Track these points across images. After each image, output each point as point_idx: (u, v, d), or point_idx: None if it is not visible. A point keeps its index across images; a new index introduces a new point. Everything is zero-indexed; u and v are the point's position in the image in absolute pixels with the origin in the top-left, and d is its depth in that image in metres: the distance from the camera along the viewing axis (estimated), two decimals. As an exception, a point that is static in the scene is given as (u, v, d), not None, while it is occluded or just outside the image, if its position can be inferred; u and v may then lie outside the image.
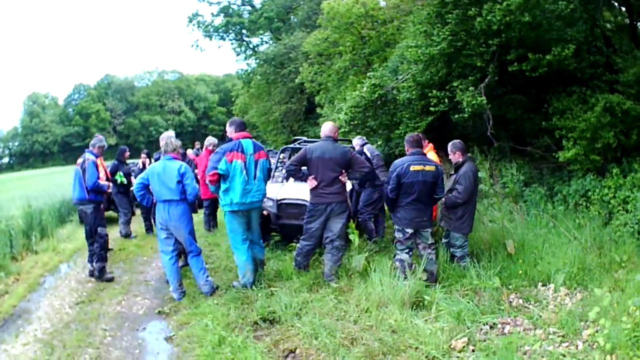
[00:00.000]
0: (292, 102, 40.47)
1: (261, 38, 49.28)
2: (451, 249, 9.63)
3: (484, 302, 7.89)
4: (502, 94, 16.20)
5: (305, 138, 15.38)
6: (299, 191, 11.68)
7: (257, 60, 44.68)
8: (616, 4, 17.47)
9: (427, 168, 8.68)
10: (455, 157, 9.71)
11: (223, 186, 8.83)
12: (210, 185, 8.93)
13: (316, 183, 9.09)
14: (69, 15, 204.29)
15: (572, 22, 14.20)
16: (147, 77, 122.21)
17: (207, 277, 9.20)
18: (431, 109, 14.57)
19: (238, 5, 48.57)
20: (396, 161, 8.96)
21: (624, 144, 12.94)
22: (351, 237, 10.11)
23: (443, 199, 9.44)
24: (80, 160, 10.80)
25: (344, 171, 9.20)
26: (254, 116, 47.67)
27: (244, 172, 8.74)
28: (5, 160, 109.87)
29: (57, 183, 28.16)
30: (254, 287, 8.88)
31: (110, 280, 10.52)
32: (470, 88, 13.72)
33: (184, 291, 9.20)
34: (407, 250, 8.83)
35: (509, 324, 7.21)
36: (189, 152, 21.16)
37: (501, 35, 13.25)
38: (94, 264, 10.65)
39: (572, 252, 9.48)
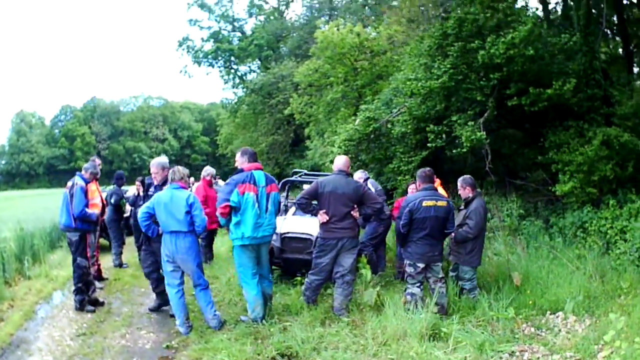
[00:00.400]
0: (278, 133, 40.77)
1: (249, 66, 49.50)
2: (460, 282, 9.64)
3: (498, 332, 8.00)
4: (496, 128, 16.26)
5: (305, 171, 15.23)
6: (303, 225, 11.54)
7: (245, 89, 44.92)
8: (610, 33, 17.85)
9: (439, 203, 8.75)
10: (465, 192, 9.78)
11: (234, 219, 8.55)
12: (221, 218, 8.62)
13: (327, 218, 8.94)
14: (59, 34, 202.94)
15: (571, 55, 14.38)
16: (133, 102, 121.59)
17: (215, 311, 8.86)
18: (428, 144, 14.57)
19: (228, 32, 48.82)
20: (409, 196, 9.13)
21: (619, 176, 13.08)
22: (362, 271, 10.08)
23: (452, 234, 9.45)
24: (69, 184, 10.30)
25: (355, 206, 9.11)
26: (238, 147, 47.50)
27: (256, 205, 8.50)
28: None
29: (45, 206, 28.12)
30: (264, 321, 8.63)
31: (92, 312, 9.99)
32: (470, 123, 13.73)
33: (190, 325, 8.80)
34: (418, 284, 8.86)
35: (526, 351, 7.31)
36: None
37: (502, 69, 13.37)
38: (74, 296, 10.13)
39: (576, 281, 9.76)
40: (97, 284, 11.36)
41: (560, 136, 14.08)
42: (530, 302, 9.11)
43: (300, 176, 14.80)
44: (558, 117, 14.54)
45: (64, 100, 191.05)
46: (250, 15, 49.39)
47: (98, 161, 11.13)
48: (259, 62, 47.65)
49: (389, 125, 16.35)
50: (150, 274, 9.90)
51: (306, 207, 9.26)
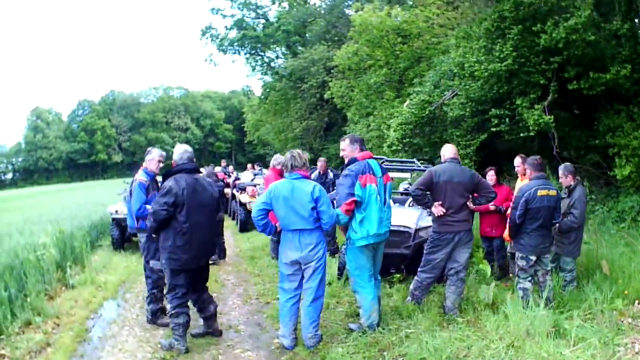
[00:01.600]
0: (312, 118, 40.29)
1: (275, 52, 48.82)
2: (561, 274, 9.37)
3: (604, 324, 7.62)
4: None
5: (385, 157, 14.42)
6: (399, 216, 10.51)
7: (275, 76, 44.67)
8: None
9: (551, 192, 8.32)
10: (567, 180, 9.36)
11: (358, 216, 7.47)
12: (344, 216, 7.44)
13: (444, 210, 8.28)
14: (72, 30, 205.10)
15: (624, 40, 14.10)
16: (153, 94, 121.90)
17: (317, 330, 7.58)
18: (492, 128, 14.39)
19: (252, 19, 48.05)
20: (522, 186, 8.60)
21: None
22: (481, 267, 9.89)
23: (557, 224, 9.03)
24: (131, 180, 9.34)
25: (470, 197, 8.62)
26: (269, 133, 47.09)
27: (378, 198, 7.55)
28: (9, 176, 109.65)
29: (75, 201, 26.78)
30: (379, 328, 7.77)
31: (166, 325, 8.40)
32: (537, 106, 13.57)
33: (295, 337, 7.63)
34: (529, 278, 8.48)
35: (635, 342, 7.02)
36: (217, 169, 20.32)
37: (563, 53, 13.22)
38: (147, 305, 8.88)
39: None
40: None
41: (614, 120, 13.99)
42: (627, 292, 8.78)
43: (382, 163, 13.96)
44: (609, 101, 14.42)
45: (81, 95, 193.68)
46: (273, 2, 48.47)
47: (157, 149, 9.30)
48: (285, 48, 47.09)
49: (444, 108, 16.20)
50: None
51: (421, 199, 8.48)
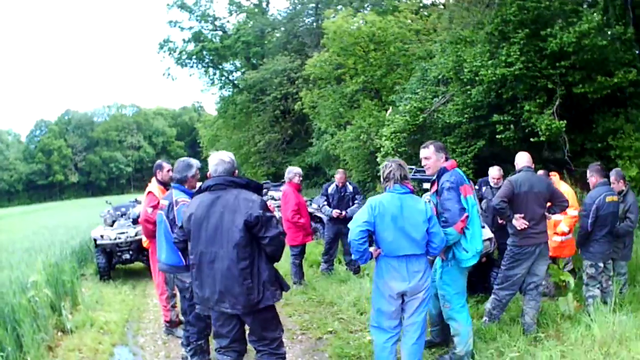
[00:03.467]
0: (274, 131, 39.44)
1: (234, 65, 47.91)
2: (616, 278, 9.18)
3: None
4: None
5: (415, 167, 13.71)
6: None
7: (234, 89, 44.00)
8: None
9: (615, 198, 8.51)
10: (619, 185, 9.11)
11: (468, 232, 6.53)
12: (456, 236, 6.45)
13: (527, 223, 7.67)
14: (28, 48, 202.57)
15: (629, 44, 14.13)
16: (106, 112, 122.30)
17: None
18: (497, 135, 14.01)
19: (210, 31, 47.06)
20: (591, 193, 8.60)
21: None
22: (564, 277, 9.39)
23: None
24: (164, 202, 7.21)
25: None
26: (226, 148, 46.19)
27: (479, 210, 6.86)
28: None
29: (44, 225, 26.16)
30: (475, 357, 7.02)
31: None
32: (547, 111, 13.33)
33: None
34: (598, 285, 8.52)
35: None
36: None
37: (570, 57, 13.06)
38: (190, 358, 7.29)
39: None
40: (179, 331, 8.69)
41: (613, 122, 14.02)
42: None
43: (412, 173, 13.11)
44: (606, 104, 14.39)
45: (39, 114, 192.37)
46: (230, 13, 47.57)
47: (189, 159, 7.51)
48: (244, 60, 46.05)
49: (438, 115, 15.82)
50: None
51: (505, 211, 7.83)
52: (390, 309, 6.17)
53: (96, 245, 13.84)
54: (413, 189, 6.28)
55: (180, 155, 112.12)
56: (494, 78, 13.42)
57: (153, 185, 8.60)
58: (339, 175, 12.71)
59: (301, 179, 12.00)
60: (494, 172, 10.48)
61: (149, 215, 8.18)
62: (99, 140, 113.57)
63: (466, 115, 14.72)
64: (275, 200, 19.05)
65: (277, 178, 32.37)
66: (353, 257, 6.28)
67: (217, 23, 47.38)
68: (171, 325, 8.92)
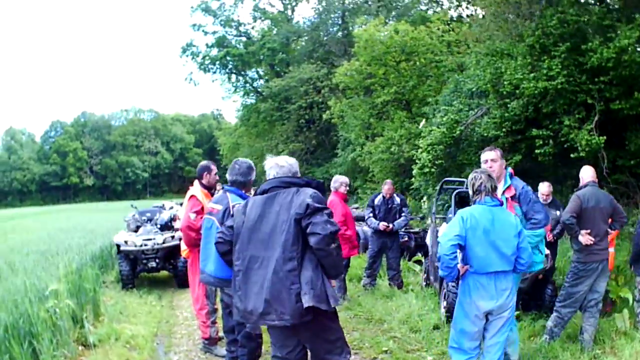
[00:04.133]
0: (297, 140, 39.14)
1: (257, 72, 47.94)
2: None
3: None
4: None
5: (456, 179, 13.35)
6: None
7: (258, 96, 43.86)
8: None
9: None
10: None
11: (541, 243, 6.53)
12: (544, 235, 6.50)
13: (592, 239, 7.55)
14: (45, 48, 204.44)
15: None
16: (124, 116, 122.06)
17: None
18: (537, 151, 13.79)
19: (234, 36, 47.29)
20: None
21: None
22: (622, 294, 9.22)
23: None
24: (216, 207, 6.47)
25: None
26: (247, 157, 45.78)
27: None
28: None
29: (59, 227, 24.69)
30: None
31: None
32: (587, 127, 13.13)
33: None
34: None
35: None
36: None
37: (609, 73, 12.91)
38: None
39: None
40: (218, 349, 7.96)
41: None
42: None
43: (457, 185, 12.81)
44: (638, 121, 14.16)
45: (54, 115, 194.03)
46: (255, 19, 47.90)
47: (244, 160, 6.98)
48: (268, 67, 46.11)
49: (475, 129, 15.70)
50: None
51: (574, 227, 7.71)
52: (474, 329, 5.87)
53: (119, 252, 12.99)
54: (502, 201, 5.99)
55: (197, 162, 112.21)
56: (535, 91, 13.24)
57: (196, 189, 7.98)
58: (386, 187, 12.16)
59: (348, 188, 11.20)
60: (544, 188, 10.08)
61: (191, 222, 7.50)
62: (116, 144, 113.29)
63: (504, 129, 14.40)
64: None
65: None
66: (440, 274, 5.97)
67: (242, 29, 47.61)
68: (210, 342, 8.04)
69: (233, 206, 5.98)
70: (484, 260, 5.68)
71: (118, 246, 12.97)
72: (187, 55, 46.82)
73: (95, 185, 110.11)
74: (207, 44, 47.29)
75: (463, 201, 15.23)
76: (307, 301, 4.56)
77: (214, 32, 46.62)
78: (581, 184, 8.06)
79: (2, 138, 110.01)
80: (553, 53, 13.29)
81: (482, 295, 5.73)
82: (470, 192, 5.94)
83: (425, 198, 19.79)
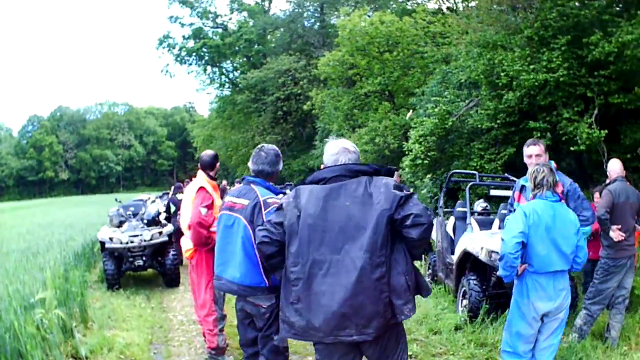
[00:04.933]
0: (274, 132, 38.88)
1: (233, 63, 47.64)
2: None
3: None
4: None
5: (466, 171, 13.10)
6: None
7: (234, 88, 43.73)
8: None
9: None
10: None
11: None
12: (590, 232, 6.50)
13: (623, 235, 7.36)
14: (22, 41, 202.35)
15: None
16: (98, 110, 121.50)
17: None
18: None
19: (210, 28, 47.07)
20: None
21: None
22: None
23: None
24: (242, 202, 5.17)
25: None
26: (221, 149, 45.51)
27: None
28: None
29: (38, 223, 24.47)
30: None
31: None
32: (587, 120, 13.14)
33: None
34: None
35: None
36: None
37: (610, 67, 12.89)
38: None
39: None
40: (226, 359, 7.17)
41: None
42: None
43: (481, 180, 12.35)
44: (633, 116, 14.34)
45: (31, 110, 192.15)
46: (232, 11, 47.68)
47: (270, 147, 5.68)
48: (245, 59, 45.94)
49: (468, 120, 15.61)
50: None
51: (607, 223, 7.50)
52: (530, 332, 5.58)
53: (103, 249, 12.03)
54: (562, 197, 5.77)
55: (170, 155, 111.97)
56: (535, 83, 13.13)
57: (202, 180, 6.91)
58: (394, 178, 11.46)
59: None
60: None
61: (203, 217, 6.47)
62: (90, 137, 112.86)
63: (498, 121, 14.29)
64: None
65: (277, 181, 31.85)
66: (500, 273, 5.56)
67: (219, 20, 47.39)
68: (218, 352, 7.05)
69: (265, 200, 5.01)
70: (545, 259, 5.37)
71: (102, 243, 11.99)
72: (163, 47, 46.74)
73: (70, 179, 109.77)
74: (183, 36, 47.36)
75: (452, 193, 15.05)
76: (406, 312, 3.89)
77: (191, 24, 46.52)
78: (609, 178, 7.95)
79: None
80: (552, 45, 13.21)
81: (540, 296, 5.44)
82: (531, 186, 5.64)
83: (412, 190, 19.68)
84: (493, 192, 10.15)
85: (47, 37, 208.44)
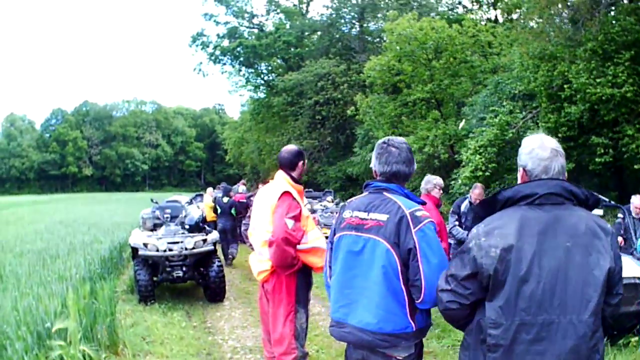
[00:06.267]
0: (311, 137, 37.99)
1: (269, 65, 46.96)
2: None
3: None
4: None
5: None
6: (626, 266, 8.02)
7: (269, 90, 43.29)
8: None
9: None
10: None
11: None
12: None
13: None
14: (48, 35, 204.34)
15: None
16: (125, 107, 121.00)
17: None
18: (597, 159, 13.89)
19: (246, 28, 46.78)
20: None
21: None
22: None
23: None
24: (381, 217, 3.57)
25: None
26: (253, 152, 44.88)
27: None
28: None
29: (60, 220, 22.89)
30: None
31: None
32: None
33: None
34: None
35: None
36: (242, 189, 18.63)
37: None
38: None
39: None
40: None
41: None
42: None
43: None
44: None
45: (55, 103, 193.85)
46: (268, 12, 47.37)
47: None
48: (281, 61, 45.78)
49: (527, 132, 14.88)
50: None
51: None
52: None
53: (134, 256, 10.79)
54: None
55: (198, 156, 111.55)
56: (602, 97, 13.18)
57: (285, 183, 5.42)
58: (477, 191, 10.09)
59: (442, 191, 9.26)
60: (637, 200, 9.60)
61: (289, 232, 5.03)
62: (117, 135, 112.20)
63: (559, 135, 14.00)
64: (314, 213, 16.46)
65: (307, 187, 30.85)
66: None
67: (255, 21, 47.01)
68: None
69: (413, 214, 3.47)
70: None
71: (134, 249, 10.65)
72: (197, 45, 46.23)
73: (94, 175, 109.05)
74: (218, 35, 46.80)
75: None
76: None
77: (226, 23, 46.04)
78: None
79: (2, 124, 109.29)
80: (616, 60, 13.20)
81: None
82: None
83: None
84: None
85: (74, 32, 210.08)
